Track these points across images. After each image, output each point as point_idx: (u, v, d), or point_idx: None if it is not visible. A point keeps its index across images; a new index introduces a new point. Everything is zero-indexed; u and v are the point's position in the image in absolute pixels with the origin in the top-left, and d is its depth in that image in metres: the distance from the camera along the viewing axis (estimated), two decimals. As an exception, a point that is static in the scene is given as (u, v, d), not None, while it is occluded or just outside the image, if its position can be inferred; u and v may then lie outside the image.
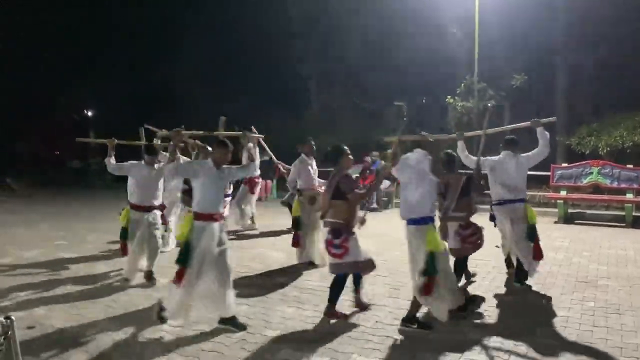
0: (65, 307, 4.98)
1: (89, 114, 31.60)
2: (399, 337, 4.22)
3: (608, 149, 12.53)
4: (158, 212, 6.06)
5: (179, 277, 4.23)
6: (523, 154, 5.61)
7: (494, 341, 4.11)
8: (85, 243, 8.26)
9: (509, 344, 4.05)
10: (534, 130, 5.48)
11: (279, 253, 7.48)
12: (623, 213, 10.20)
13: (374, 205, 12.63)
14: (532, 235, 5.41)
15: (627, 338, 4.18)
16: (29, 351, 3.77)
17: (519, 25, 14.90)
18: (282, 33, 22.11)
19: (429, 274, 4.10)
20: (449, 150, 5.46)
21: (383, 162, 12.23)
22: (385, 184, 12.83)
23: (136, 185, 5.94)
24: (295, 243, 6.69)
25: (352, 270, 4.70)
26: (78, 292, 5.50)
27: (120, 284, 5.81)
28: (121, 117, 25.12)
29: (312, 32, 21.41)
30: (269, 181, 15.13)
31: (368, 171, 13.03)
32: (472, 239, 5.24)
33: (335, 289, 4.68)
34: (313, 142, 7.04)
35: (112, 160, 6.09)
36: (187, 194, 6.00)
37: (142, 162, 6.03)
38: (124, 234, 5.85)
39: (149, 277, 5.81)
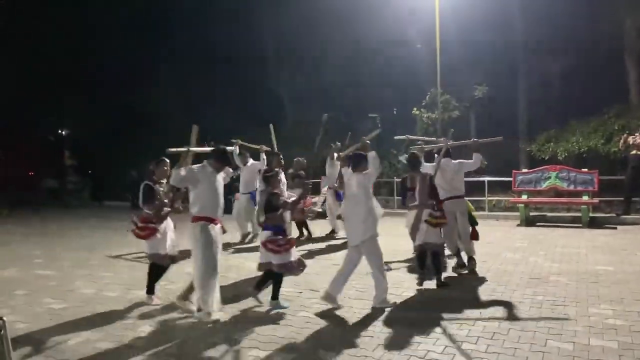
0: (45, 320, 5.20)
1: (63, 133, 31.44)
2: (361, 334, 4.56)
3: (566, 154, 13.18)
4: None
5: None
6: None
7: (451, 332, 4.50)
8: (62, 260, 8.42)
9: (461, 334, 4.45)
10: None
11: (254, 263, 7.75)
12: (580, 214, 10.79)
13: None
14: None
15: (567, 326, 4.60)
16: None
17: (480, 38, 15.60)
18: (256, 51, 22.54)
19: None
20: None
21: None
22: None
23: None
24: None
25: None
26: (56, 306, 5.72)
27: (96, 295, 6.04)
28: (96, 136, 25.19)
29: (286, 49, 21.90)
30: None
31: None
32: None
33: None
34: (281, 157, 7.40)
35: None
36: None
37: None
38: None
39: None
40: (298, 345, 4.33)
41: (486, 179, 12.84)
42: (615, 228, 10.31)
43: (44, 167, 27.66)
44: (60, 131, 31.40)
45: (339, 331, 4.64)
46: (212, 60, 23.04)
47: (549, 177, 11.20)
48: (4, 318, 2.46)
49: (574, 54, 15.76)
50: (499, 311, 5.06)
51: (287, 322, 4.92)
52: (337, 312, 5.16)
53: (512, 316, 4.90)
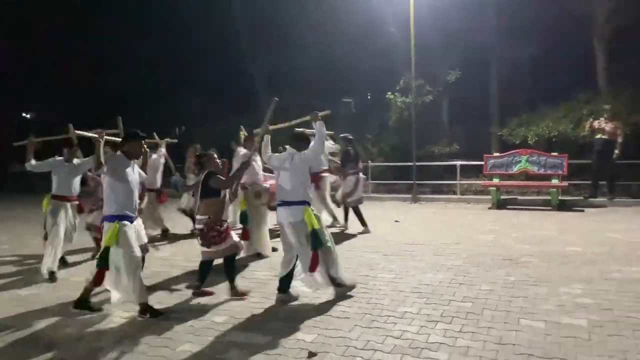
0: (12, 306, 5.06)
1: (28, 116, 30.47)
2: (337, 316, 4.56)
3: (536, 138, 13.39)
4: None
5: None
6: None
7: (426, 312, 4.55)
8: (28, 246, 8.18)
9: (436, 314, 4.50)
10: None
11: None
12: (550, 197, 11.02)
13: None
14: (315, 242, 4.82)
15: (539, 304, 4.70)
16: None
17: (454, 23, 15.60)
18: (230, 34, 22.09)
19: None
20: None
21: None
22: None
23: None
24: (244, 236, 6.92)
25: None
26: (24, 292, 5.58)
27: (65, 280, 5.90)
28: (62, 119, 24.41)
29: (259, 33, 21.53)
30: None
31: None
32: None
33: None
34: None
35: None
36: None
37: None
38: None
39: None
40: (272, 325, 4.33)
41: (458, 162, 12.97)
42: (583, 211, 10.57)
43: (9, 151, 26.75)
44: (25, 114, 30.43)
45: (314, 312, 4.63)
46: (185, 44, 22.49)
47: (520, 161, 11.39)
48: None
49: (544, 39, 15.93)
50: (472, 292, 5.13)
51: (262, 305, 4.89)
52: (312, 294, 5.14)
53: (485, 296, 4.97)
